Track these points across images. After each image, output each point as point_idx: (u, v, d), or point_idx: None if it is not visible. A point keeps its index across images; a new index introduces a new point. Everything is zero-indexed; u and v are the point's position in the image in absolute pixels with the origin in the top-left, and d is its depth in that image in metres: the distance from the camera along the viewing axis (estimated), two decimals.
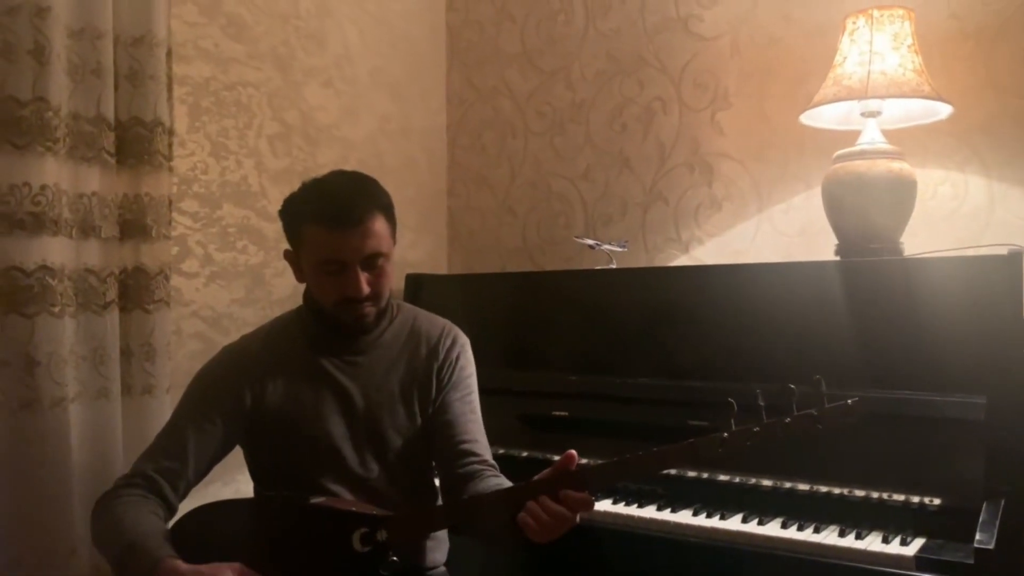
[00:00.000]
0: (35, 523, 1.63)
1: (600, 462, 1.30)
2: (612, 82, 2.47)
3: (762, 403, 1.22)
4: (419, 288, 2.33)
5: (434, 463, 1.57)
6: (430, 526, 1.42)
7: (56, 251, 1.64)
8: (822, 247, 2.00)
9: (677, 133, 2.36)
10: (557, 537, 1.24)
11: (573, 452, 1.24)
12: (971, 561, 1.29)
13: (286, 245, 1.50)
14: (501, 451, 1.94)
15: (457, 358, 1.56)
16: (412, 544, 1.44)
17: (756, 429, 1.21)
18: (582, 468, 1.25)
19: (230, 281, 2.16)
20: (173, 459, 1.42)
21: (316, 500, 1.38)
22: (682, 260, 2.34)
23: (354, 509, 1.36)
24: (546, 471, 1.26)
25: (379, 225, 1.41)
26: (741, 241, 2.25)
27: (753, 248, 2.23)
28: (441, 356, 1.55)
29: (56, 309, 1.63)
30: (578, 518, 1.23)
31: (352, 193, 1.41)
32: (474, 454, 1.48)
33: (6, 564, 1.61)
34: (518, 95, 2.67)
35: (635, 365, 1.91)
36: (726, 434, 1.22)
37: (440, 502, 1.57)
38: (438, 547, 1.58)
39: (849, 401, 1.23)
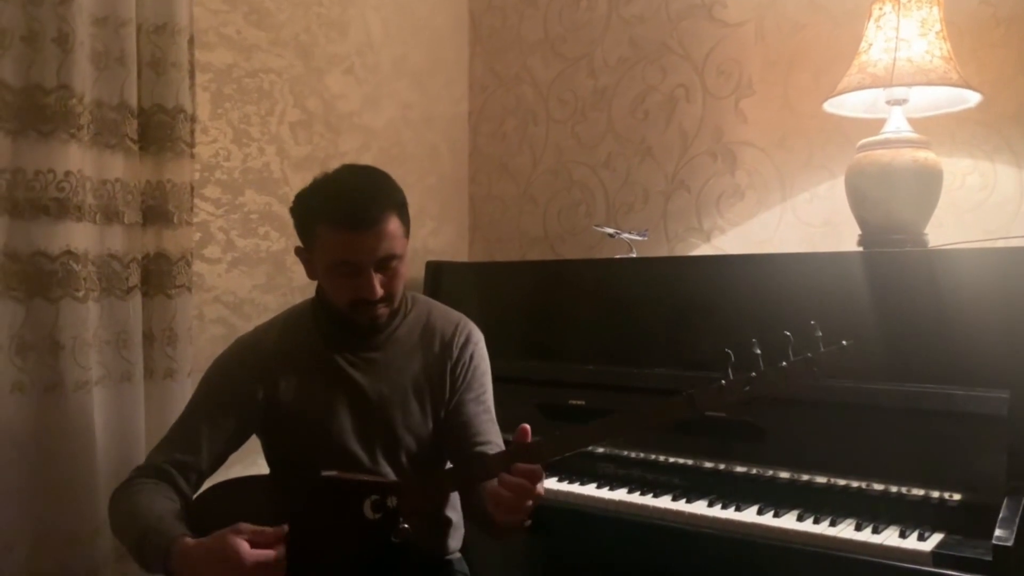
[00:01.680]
0: (60, 504, 1.67)
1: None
2: (635, 69, 2.45)
3: (758, 351, 1.22)
4: (439, 276, 2.34)
5: (449, 463, 1.57)
6: (439, 491, 1.43)
7: (80, 236, 1.66)
8: (847, 237, 1.97)
9: (700, 121, 2.33)
10: (519, 517, 1.26)
11: (526, 426, 1.26)
12: (989, 558, 1.27)
13: None
14: None
15: (471, 357, 1.55)
16: (423, 511, 1.45)
17: (753, 375, 1.21)
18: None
19: (252, 267, 2.18)
20: (186, 451, 1.44)
21: (328, 473, 1.39)
22: (704, 249, 2.32)
23: (364, 478, 1.38)
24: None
25: (393, 226, 1.39)
26: (764, 231, 2.23)
27: (776, 238, 2.21)
28: (455, 354, 1.53)
29: (80, 294, 1.66)
30: (539, 488, 1.25)
31: (366, 193, 1.39)
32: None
33: (31, 544, 1.65)
34: (540, 82, 2.66)
35: (654, 355, 1.90)
36: (723, 381, 1.22)
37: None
38: (454, 533, 1.59)
39: (844, 343, 1.23)
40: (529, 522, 1.30)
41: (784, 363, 1.22)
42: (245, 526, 1.27)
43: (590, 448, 1.85)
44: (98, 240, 1.73)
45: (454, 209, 2.78)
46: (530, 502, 1.25)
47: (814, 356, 1.22)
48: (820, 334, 1.22)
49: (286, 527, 1.29)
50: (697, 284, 1.88)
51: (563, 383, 1.96)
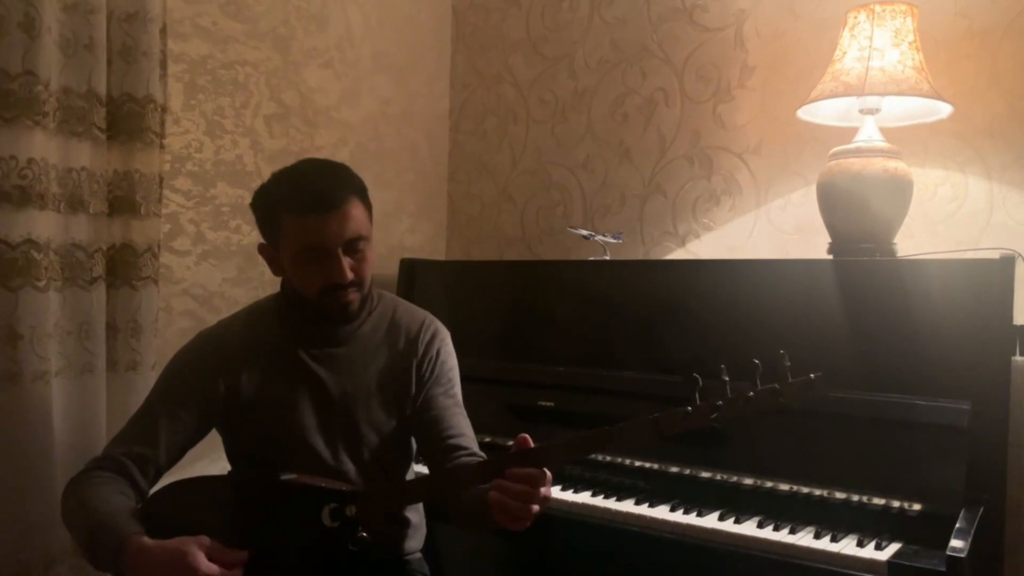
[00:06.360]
0: (16, 495, 1.64)
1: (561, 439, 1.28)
2: (615, 71, 2.45)
3: (726, 378, 1.21)
4: (413, 273, 2.33)
5: (423, 460, 1.56)
6: (398, 501, 1.42)
7: (42, 225, 1.64)
8: (819, 245, 1.97)
9: (678, 125, 2.33)
10: (525, 522, 1.21)
11: (526, 436, 1.22)
12: (943, 568, 1.27)
13: None
14: (487, 439, 1.93)
15: (438, 353, 1.54)
16: (382, 520, 1.43)
17: (719, 403, 1.20)
18: (540, 446, 1.23)
19: (222, 260, 2.16)
20: (144, 444, 1.42)
21: (287, 476, 1.38)
22: (678, 254, 2.32)
23: (324, 484, 1.36)
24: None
25: (357, 209, 1.40)
26: (738, 236, 2.23)
27: (750, 244, 2.21)
28: (420, 351, 1.52)
29: (41, 283, 1.64)
30: (542, 491, 1.20)
31: (327, 179, 1.40)
32: (462, 448, 1.46)
33: None
34: (521, 82, 2.65)
35: (624, 358, 1.89)
36: (689, 408, 1.21)
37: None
38: (414, 534, 1.58)
39: (812, 376, 1.22)
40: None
41: (751, 393, 1.20)
42: (208, 539, 1.26)
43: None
44: (62, 229, 1.70)
45: (432, 207, 2.77)
46: (535, 507, 1.20)
47: (780, 388, 1.21)
48: (788, 364, 1.21)
49: (246, 554, 1.27)
50: (670, 288, 1.88)
51: (534, 384, 1.95)
